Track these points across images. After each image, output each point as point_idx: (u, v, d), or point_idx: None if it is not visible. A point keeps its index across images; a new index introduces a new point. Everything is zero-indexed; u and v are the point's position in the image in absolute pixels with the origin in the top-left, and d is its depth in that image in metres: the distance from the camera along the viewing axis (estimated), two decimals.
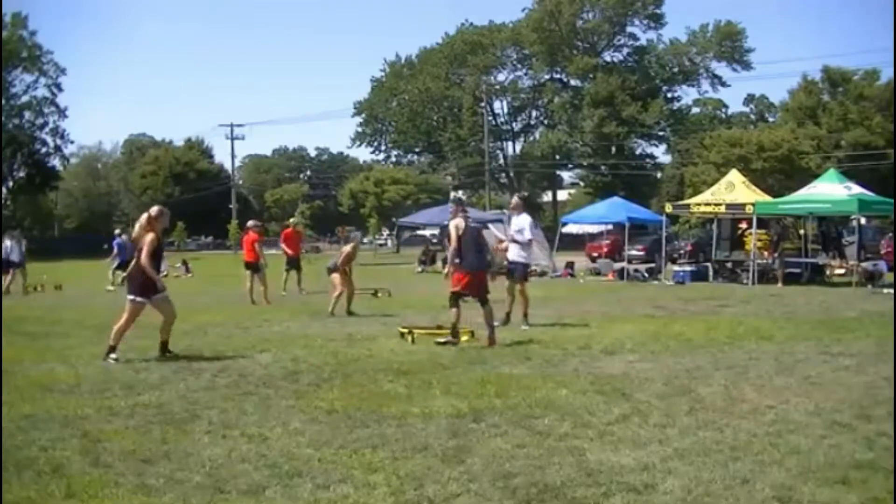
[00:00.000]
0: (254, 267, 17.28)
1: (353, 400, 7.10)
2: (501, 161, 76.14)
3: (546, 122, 75.44)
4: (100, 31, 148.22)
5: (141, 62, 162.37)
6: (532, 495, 4.66)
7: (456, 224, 10.58)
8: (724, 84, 71.42)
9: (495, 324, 10.67)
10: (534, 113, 77.37)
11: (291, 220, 25.25)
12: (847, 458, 5.27)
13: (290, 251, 20.11)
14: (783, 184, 41.69)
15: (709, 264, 25.57)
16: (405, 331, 10.95)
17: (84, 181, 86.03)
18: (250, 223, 18.60)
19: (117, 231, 26.58)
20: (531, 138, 76.55)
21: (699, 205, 25.55)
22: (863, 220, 30.24)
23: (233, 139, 70.04)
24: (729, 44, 68.36)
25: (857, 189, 23.01)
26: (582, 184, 75.56)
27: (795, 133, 52.35)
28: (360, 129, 79.57)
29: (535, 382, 7.85)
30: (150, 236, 9.19)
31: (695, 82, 71.77)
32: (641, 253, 32.38)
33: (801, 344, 10.33)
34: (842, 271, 24.13)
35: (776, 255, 23.34)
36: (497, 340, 10.32)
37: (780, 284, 21.57)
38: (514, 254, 12.64)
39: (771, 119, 72.19)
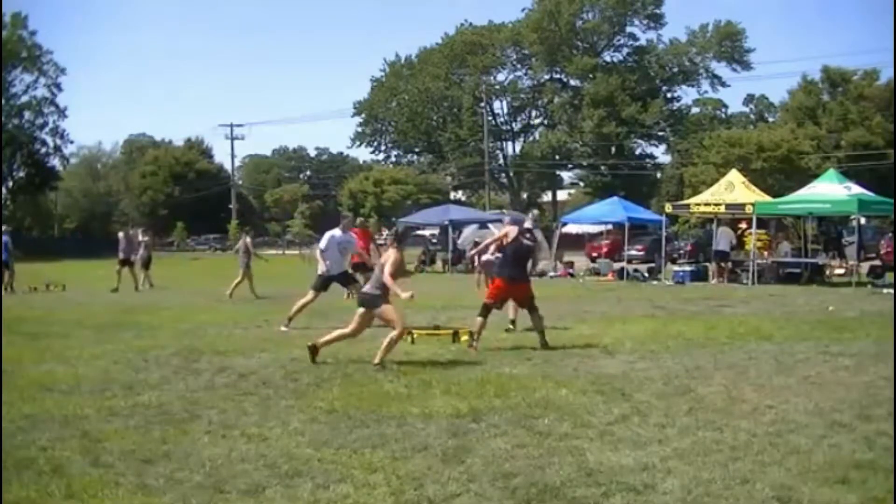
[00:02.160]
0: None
1: (353, 400, 7.10)
2: (501, 161, 76.00)
3: (546, 122, 75.26)
4: (99, 31, 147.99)
5: (141, 62, 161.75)
6: (532, 495, 4.67)
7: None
8: (723, 84, 71.30)
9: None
10: (534, 113, 77.19)
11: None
12: (847, 458, 5.28)
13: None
14: (783, 184, 41.57)
15: (708, 264, 25.56)
16: None
17: (84, 181, 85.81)
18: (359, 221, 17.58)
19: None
20: (531, 138, 76.33)
21: (699, 205, 25.53)
22: (862, 220, 30.23)
23: (232, 139, 70.12)
24: (729, 44, 68.25)
25: (856, 189, 23.00)
26: (582, 184, 75.45)
27: (795, 133, 52.20)
28: (359, 129, 79.37)
29: (534, 382, 7.85)
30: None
31: (695, 82, 71.64)
32: (641, 253, 32.37)
33: (801, 344, 10.32)
34: (842, 271, 24.13)
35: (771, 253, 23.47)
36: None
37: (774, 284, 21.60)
38: None
39: (771, 119, 71.91)
